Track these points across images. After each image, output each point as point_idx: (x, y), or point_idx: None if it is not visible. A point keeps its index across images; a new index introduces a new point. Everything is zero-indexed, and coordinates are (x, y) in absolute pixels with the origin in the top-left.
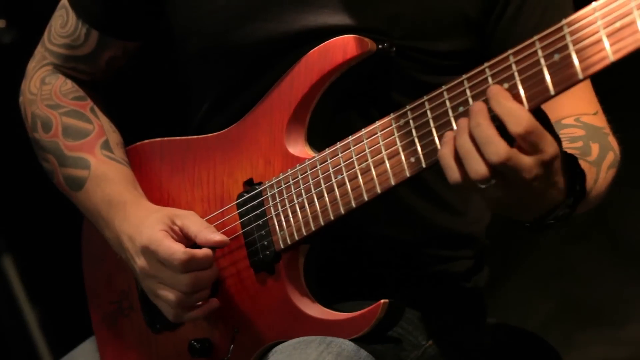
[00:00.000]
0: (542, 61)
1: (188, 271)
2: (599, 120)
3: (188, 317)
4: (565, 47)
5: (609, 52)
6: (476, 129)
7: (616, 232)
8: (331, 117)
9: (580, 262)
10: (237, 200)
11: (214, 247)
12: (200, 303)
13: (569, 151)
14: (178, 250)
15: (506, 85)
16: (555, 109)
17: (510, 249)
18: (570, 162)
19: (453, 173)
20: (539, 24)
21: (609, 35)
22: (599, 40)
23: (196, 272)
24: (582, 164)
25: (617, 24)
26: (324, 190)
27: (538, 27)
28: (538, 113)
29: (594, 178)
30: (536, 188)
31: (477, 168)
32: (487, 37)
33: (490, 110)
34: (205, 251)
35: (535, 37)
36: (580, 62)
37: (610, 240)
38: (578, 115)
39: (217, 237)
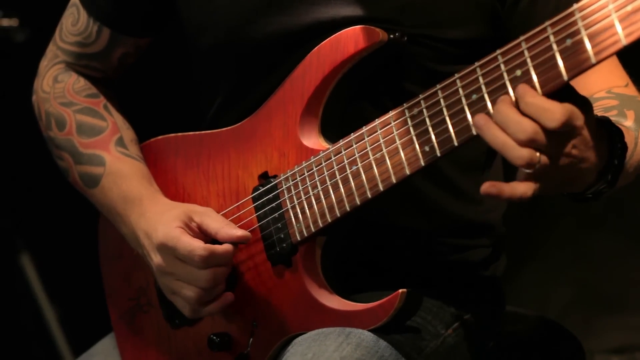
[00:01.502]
0: (555, 47)
1: (208, 267)
2: (631, 90)
3: (204, 312)
4: (578, 31)
5: (621, 35)
6: (496, 115)
7: (632, 217)
8: (344, 108)
9: (597, 248)
10: (252, 194)
11: (236, 242)
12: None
13: None
14: (198, 246)
15: (519, 72)
16: (586, 85)
17: (527, 237)
18: (606, 125)
19: (528, 191)
20: (557, 7)
21: (620, 19)
22: (611, 24)
23: (214, 268)
24: (620, 127)
25: (629, 7)
26: (339, 181)
27: (557, 11)
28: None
29: (634, 141)
30: (578, 157)
31: (519, 154)
32: (504, 23)
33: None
34: (225, 247)
35: (547, 23)
36: (592, 46)
37: (627, 226)
38: (609, 88)
39: (239, 232)
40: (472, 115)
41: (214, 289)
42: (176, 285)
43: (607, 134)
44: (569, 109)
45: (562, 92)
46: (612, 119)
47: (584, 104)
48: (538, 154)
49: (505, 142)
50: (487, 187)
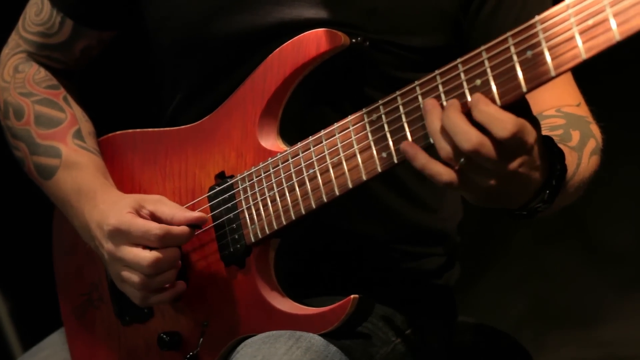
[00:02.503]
0: (515, 57)
1: (164, 246)
2: (582, 110)
3: (154, 300)
4: (538, 43)
5: (582, 49)
6: (445, 120)
7: (590, 234)
8: (304, 110)
9: (553, 263)
10: (208, 192)
11: (193, 224)
12: (167, 286)
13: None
14: (154, 226)
15: (479, 82)
16: (537, 101)
17: (484, 248)
18: (548, 144)
19: (441, 175)
20: (518, 19)
21: (581, 33)
22: (572, 38)
23: (157, 252)
24: (563, 148)
25: (590, 22)
26: (295, 184)
27: (517, 23)
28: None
29: (576, 162)
30: (522, 175)
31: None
32: (464, 32)
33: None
34: (182, 228)
35: (508, 34)
36: (552, 59)
37: (583, 242)
38: (559, 106)
39: (196, 213)
40: None
41: (161, 276)
42: (124, 271)
43: (549, 153)
44: (521, 122)
45: (517, 108)
46: (556, 138)
47: (535, 123)
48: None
49: (439, 145)
50: (406, 145)
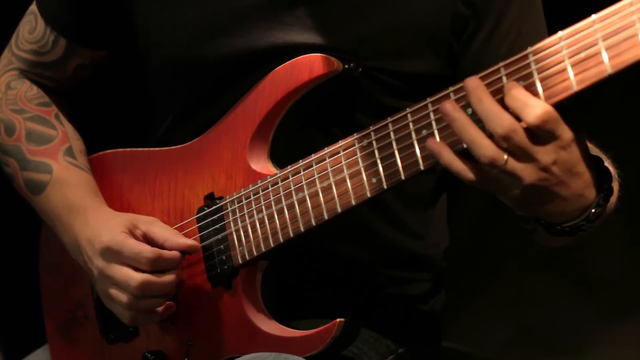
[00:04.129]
0: None
1: (155, 270)
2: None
3: (143, 320)
4: (530, 74)
5: (573, 82)
6: (477, 106)
7: (576, 261)
8: (295, 134)
9: (539, 291)
10: (197, 214)
11: (184, 251)
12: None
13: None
14: (146, 249)
15: (470, 111)
16: None
17: (470, 275)
18: (598, 162)
19: (467, 173)
20: (511, 49)
21: (573, 65)
22: (564, 70)
23: (148, 275)
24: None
25: (582, 54)
26: (285, 207)
27: (511, 53)
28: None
29: (618, 187)
30: (558, 176)
31: (484, 152)
32: (458, 61)
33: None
34: (173, 253)
35: (501, 64)
36: (544, 90)
37: (570, 270)
38: None
39: (188, 241)
40: (421, 151)
41: (150, 300)
42: (112, 290)
43: (596, 172)
44: (551, 112)
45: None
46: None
47: (576, 125)
48: (505, 156)
49: (475, 136)
50: (431, 142)
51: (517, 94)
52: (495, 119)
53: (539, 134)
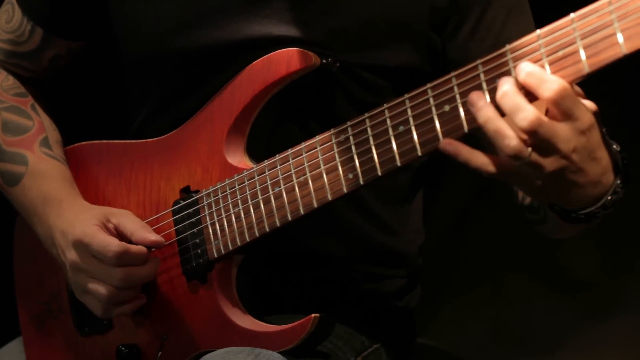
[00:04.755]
0: (485, 85)
1: (121, 265)
2: None
3: (116, 312)
4: (508, 72)
5: None
6: (503, 99)
7: (553, 260)
8: (272, 129)
9: (516, 289)
10: (173, 207)
11: (149, 246)
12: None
13: None
14: (112, 242)
15: (447, 107)
16: None
17: (447, 272)
18: (613, 152)
19: (488, 167)
20: (496, 43)
21: (551, 63)
22: (541, 68)
23: (129, 267)
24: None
25: (560, 53)
26: (261, 201)
27: (495, 47)
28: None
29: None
30: (577, 163)
31: (509, 142)
32: (441, 56)
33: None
34: (139, 247)
35: (479, 61)
36: None
37: (547, 268)
38: None
39: (153, 236)
40: (398, 147)
41: (127, 290)
42: (89, 282)
43: (613, 163)
44: (568, 88)
45: None
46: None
47: (591, 109)
48: (530, 149)
49: (500, 127)
50: (445, 143)
51: (533, 71)
52: (521, 112)
53: (558, 114)
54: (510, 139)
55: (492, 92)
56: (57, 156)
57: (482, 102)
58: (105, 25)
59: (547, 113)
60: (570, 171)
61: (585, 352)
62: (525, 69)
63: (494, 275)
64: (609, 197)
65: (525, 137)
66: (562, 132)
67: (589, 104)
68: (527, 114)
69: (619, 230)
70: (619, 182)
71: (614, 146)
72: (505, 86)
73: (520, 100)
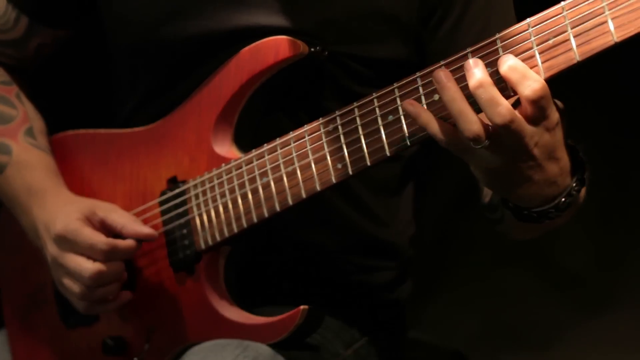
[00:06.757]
0: None
1: (109, 261)
2: None
3: (97, 309)
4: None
5: (541, 68)
6: (478, 90)
7: (545, 254)
8: (260, 118)
9: (507, 283)
10: (159, 197)
11: (141, 239)
12: (111, 297)
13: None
14: (100, 240)
15: (437, 97)
16: None
17: (439, 265)
18: (574, 152)
19: (441, 136)
20: (479, 36)
21: (541, 52)
22: (532, 57)
23: (100, 264)
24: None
25: (551, 41)
26: (249, 192)
27: (479, 40)
28: None
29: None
30: (537, 158)
31: (470, 127)
32: (426, 47)
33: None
34: (128, 242)
35: (468, 50)
36: None
37: (538, 262)
38: None
39: (146, 229)
40: (387, 136)
41: (103, 288)
42: (64, 278)
43: (572, 161)
44: (547, 88)
45: None
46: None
47: (559, 109)
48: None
49: (464, 110)
50: (408, 103)
51: (517, 66)
52: (495, 107)
53: (532, 112)
54: (473, 124)
55: None
56: (41, 146)
57: (449, 83)
58: (91, 14)
59: (516, 105)
60: (528, 166)
61: (576, 346)
62: (508, 62)
63: (486, 268)
64: (563, 199)
65: (496, 130)
66: (530, 129)
67: (558, 102)
68: (502, 109)
69: (611, 224)
70: (574, 185)
71: (578, 147)
72: (479, 74)
73: (495, 92)
